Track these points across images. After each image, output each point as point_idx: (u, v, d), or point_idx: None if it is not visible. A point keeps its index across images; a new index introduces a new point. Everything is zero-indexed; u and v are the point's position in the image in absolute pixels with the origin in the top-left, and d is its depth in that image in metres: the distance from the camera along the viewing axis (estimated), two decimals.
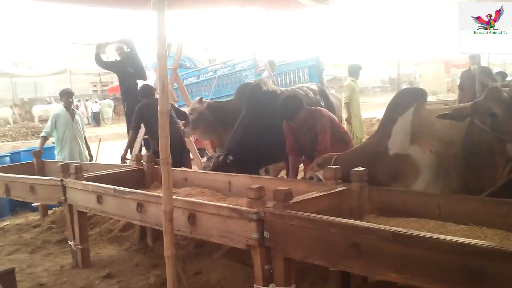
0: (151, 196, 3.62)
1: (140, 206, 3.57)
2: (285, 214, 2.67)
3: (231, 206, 3.11)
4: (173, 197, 3.17)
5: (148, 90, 6.35)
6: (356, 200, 3.23)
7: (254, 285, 2.92)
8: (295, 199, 2.87)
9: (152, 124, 5.82)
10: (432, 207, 2.98)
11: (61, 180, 4.37)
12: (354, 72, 8.91)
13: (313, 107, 4.84)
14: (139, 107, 6.10)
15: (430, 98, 7.49)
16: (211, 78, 10.32)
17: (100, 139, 8.00)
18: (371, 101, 26.47)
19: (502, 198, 2.87)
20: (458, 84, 9.26)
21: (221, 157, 4.85)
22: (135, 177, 4.73)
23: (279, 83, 9.32)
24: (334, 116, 5.00)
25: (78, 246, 4.39)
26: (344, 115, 8.49)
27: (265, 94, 5.26)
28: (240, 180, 4.11)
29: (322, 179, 3.63)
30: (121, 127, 20.81)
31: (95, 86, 34.33)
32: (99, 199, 3.93)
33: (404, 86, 16.88)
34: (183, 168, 5.32)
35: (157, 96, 6.62)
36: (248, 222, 2.80)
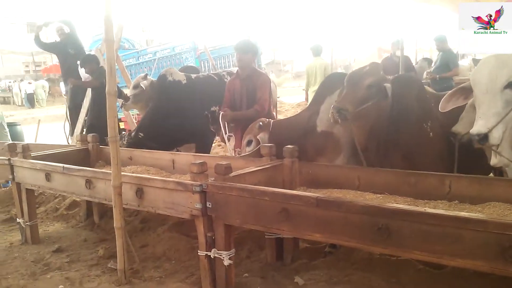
0: (99, 172, 3.84)
1: (89, 182, 3.78)
2: (225, 185, 3.00)
3: (176, 180, 3.42)
4: (121, 173, 3.44)
5: (94, 58, 6.48)
6: (288, 174, 3.60)
7: (198, 251, 3.22)
8: (234, 173, 3.19)
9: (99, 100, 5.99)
10: (353, 179, 3.40)
11: (9, 159, 4.46)
12: (319, 51, 9.44)
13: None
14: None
15: None
16: (150, 60, 10.40)
17: (40, 120, 8.00)
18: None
19: None
20: None
21: (133, 133, 5.38)
22: (81, 157, 4.89)
23: (218, 66, 9.58)
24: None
25: (27, 223, 4.52)
26: None
27: (170, 84, 5.76)
28: (183, 158, 4.39)
29: (261, 141, 3.98)
30: (57, 109, 20.33)
31: (27, 66, 33.09)
32: (48, 177, 4.09)
33: (339, 70, 17.57)
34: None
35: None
36: (192, 194, 3.08)
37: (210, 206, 3.07)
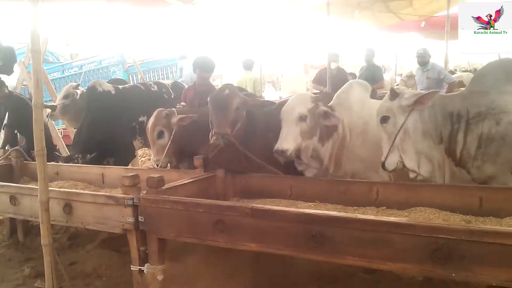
0: (24, 188, 3.68)
1: (13, 199, 3.61)
2: (158, 199, 2.96)
3: (107, 194, 3.33)
4: (49, 188, 3.30)
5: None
6: (221, 185, 3.61)
7: (131, 266, 3.13)
8: (167, 185, 3.16)
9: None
10: (285, 188, 3.47)
11: None
12: (250, 65, 9.46)
13: None
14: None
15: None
16: (76, 73, 10.13)
17: None
18: None
19: None
20: (313, 79, 9.98)
21: (87, 156, 5.09)
22: (3, 173, 4.65)
23: (148, 79, 9.47)
24: None
25: None
26: None
27: (100, 94, 5.65)
28: (113, 172, 4.28)
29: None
30: None
31: None
32: None
33: (267, 85, 17.87)
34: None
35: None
36: (124, 208, 3.01)
37: (143, 220, 3.01)
